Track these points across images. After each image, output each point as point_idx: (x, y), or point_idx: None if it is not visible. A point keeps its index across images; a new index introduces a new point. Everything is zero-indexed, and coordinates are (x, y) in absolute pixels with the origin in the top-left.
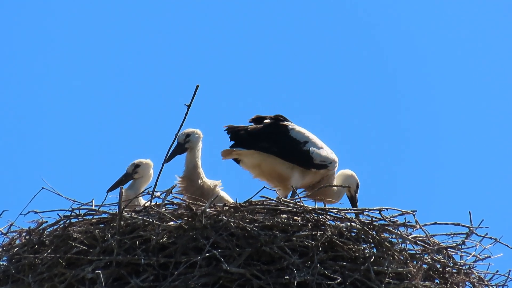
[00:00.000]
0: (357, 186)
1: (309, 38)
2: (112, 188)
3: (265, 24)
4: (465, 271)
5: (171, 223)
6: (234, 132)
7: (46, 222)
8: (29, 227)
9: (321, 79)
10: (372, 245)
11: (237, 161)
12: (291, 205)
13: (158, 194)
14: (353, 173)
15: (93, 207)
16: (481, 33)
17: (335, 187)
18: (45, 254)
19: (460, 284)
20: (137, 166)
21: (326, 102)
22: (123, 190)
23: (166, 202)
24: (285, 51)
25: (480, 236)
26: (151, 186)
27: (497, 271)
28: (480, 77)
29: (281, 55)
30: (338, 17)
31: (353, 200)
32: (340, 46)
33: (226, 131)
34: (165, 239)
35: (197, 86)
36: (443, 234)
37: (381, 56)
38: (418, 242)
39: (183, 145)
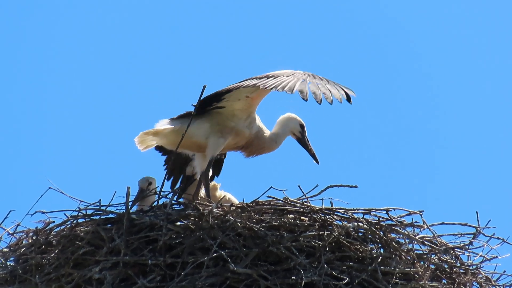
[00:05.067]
0: (301, 126)
1: (311, 38)
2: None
3: (269, 24)
4: (472, 271)
5: (178, 223)
6: None
7: (53, 222)
8: (36, 227)
9: None
10: (379, 245)
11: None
12: (298, 205)
13: (165, 194)
14: (290, 114)
15: (100, 207)
16: (481, 33)
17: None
18: (52, 255)
19: (467, 284)
20: (150, 183)
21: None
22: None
23: (173, 202)
24: (289, 51)
25: (487, 236)
26: (158, 186)
27: (504, 271)
28: (491, 78)
29: (285, 55)
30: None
31: (302, 142)
32: (340, 45)
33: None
34: (172, 239)
35: (204, 86)
36: (450, 234)
37: (382, 56)
38: (425, 242)
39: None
